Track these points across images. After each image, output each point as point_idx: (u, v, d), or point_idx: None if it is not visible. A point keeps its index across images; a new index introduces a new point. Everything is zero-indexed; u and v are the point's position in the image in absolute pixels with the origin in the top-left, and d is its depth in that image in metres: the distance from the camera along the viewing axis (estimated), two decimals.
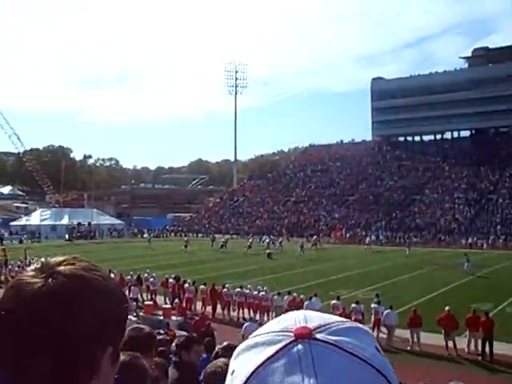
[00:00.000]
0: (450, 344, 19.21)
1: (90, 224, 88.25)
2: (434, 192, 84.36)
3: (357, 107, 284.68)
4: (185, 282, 27.98)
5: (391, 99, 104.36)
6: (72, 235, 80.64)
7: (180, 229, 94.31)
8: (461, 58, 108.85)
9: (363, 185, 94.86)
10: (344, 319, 0.87)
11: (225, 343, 7.83)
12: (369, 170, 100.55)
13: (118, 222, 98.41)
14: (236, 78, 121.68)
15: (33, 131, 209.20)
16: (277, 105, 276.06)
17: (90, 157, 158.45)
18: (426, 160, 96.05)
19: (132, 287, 28.59)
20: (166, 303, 27.27)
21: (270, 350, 0.80)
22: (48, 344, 0.95)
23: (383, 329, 20.77)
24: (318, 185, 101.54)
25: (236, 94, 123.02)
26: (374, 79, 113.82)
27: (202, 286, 26.89)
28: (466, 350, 19.19)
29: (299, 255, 51.79)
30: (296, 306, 22.86)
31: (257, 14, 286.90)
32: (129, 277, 30.43)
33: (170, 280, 29.25)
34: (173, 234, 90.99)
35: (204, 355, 8.01)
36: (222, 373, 3.77)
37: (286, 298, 23.97)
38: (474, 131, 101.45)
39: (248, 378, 0.79)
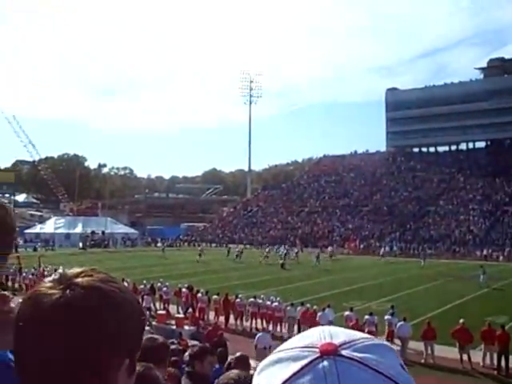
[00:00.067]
0: (465, 357, 19.02)
1: (103, 233, 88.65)
2: (448, 203, 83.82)
3: (371, 118, 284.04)
4: (198, 291, 27.94)
5: (406, 110, 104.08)
6: (86, 244, 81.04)
7: (193, 238, 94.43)
8: (476, 68, 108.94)
9: (377, 196, 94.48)
10: (369, 336, 0.87)
11: (238, 354, 7.78)
12: (383, 181, 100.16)
13: (132, 231, 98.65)
14: (251, 88, 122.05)
15: (48, 140, 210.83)
16: (291, 115, 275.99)
17: (104, 165, 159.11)
18: (440, 171, 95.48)
19: (145, 296, 28.58)
20: (178, 313, 27.26)
21: (296, 366, 0.79)
22: (65, 356, 0.95)
23: (397, 341, 20.60)
24: (331, 195, 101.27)
25: (250, 103, 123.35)
26: (388, 90, 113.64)
27: (215, 296, 26.85)
28: (481, 363, 18.99)
29: (315, 265, 51.88)
30: (309, 316, 22.81)
31: (272, 24, 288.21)
32: (142, 286, 30.44)
33: (183, 289, 29.21)
34: (186, 243, 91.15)
35: (217, 366, 7.97)
36: None
37: (298, 308, 23.88)
38: (489, 142, 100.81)
39: None
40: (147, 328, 18.68)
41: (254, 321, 25.40)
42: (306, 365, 0.79)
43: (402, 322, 20.51)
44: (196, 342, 13.98)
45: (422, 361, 19.58)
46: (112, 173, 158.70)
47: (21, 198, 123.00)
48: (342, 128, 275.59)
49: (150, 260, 57.99)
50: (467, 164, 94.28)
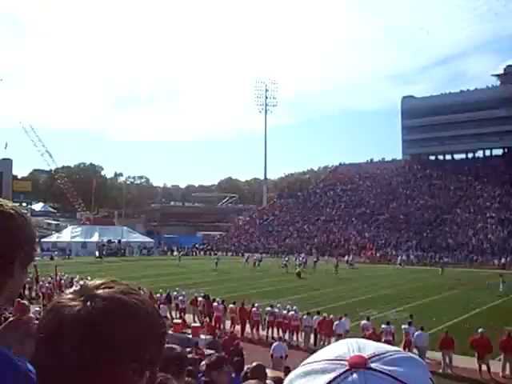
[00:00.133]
0: (484, 367, 18.79)
1: (120, 241, 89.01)
2: (465, 211, 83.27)
3: (387, 126, 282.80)
4: (214, 300, 27.92)
5: (422, 118, 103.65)
6: (102, 252, 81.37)
7: (209, 247, 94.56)
8: (492, 75, 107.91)
9: (393, 204, 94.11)
10: (398, 348, 0.87)
11: (254, 363, 7.75)
12: (399, 189, 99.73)
13: (148, 239, 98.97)
14: (266, 97, 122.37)
15: (65, 149, 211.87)
16: (306, 123, 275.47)
17: (120, 175, 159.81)
18: (457, 179, 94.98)
19: (161, 305, 28.59)
20: (194, 321, 27.22)
21: (325, 379, 0.79)
22: (86, 368, 0.95)
23: (414, 350, 20.40)
24: (347, 204, 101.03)
25: (266, 112, 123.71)
26: (404, 97, 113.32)
27: (232, 305, 26.75)
28: (501, 374, 18.76)
29: (335, 273, 52.33)
30: (325, 326, 22.70)
31: (287, 33, 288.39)
32: (158, 295, 30.47)
33: (199, 298, 29.22)
34: (202, 252, 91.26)
35: (233, 375, 7.93)
36: None
37: (315, 317, 23.73)
38: (506, 149, 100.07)
39: None
40: None
41: (270, 330, 25.31)
42: (335, 378, 0.79)
43: (419, 332, 20.31)
44: (212, 352, 13.95)
45: (440, 371, 19.35)
46: (128, 182, 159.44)
47: (38, 206, 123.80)
48: (358, 136, 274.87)
49: (166, 269, 58.07)
50: (484, 172, 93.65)
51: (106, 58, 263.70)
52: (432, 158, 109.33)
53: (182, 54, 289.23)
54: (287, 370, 11.19)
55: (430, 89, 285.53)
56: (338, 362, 0.81)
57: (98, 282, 1.07)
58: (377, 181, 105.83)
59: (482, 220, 78.47)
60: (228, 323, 26.44)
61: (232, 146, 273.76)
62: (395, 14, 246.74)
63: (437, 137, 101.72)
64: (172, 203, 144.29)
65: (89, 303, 1.00)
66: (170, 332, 23.58)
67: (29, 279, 35.03)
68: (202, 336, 22.58)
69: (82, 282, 1.14)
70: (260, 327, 25.65)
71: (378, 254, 74.67)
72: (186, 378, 5.14)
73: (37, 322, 1.58)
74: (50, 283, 37.16)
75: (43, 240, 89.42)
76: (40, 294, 36.31)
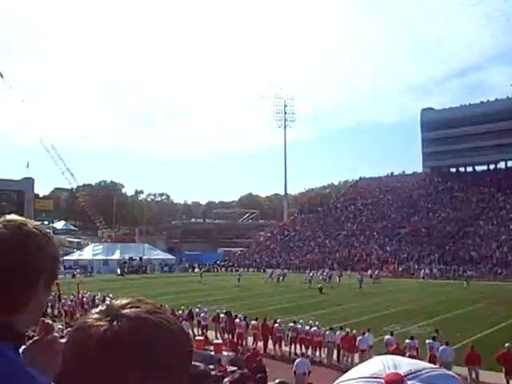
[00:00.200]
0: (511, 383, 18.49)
1: (141, 259, 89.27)
2: (488, 223, 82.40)
3: (407, 138, 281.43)
4: (236, 316, 27.83)
5: (442, 130, 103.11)
6: (124, 270, 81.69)
7: (231, 263, 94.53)
8: None
9: (415, 217, 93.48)
10: (433, 366, 0.85)
11: (277, 380, 7.68)
12: (420, 202, 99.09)
13: (169, 256, 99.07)
14: (285, 112, 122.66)
15: (85, 167, 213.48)
16: (326, 138, 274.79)
17: (141, 192, 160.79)
18: (479, 191, 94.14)
19: (183, 322, 28.55)
20: (217, 338, 27.13)
21: None
22: None
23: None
24: (368, 218, 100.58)
25: (285, 127, 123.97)
26: (423, 110, 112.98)
27: (254, 322, 26.63)
28: None
29: (357, 288, 52.17)
30: (348, 341, 22.49)
31: (305, 47, 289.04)
32: (180, 312, 30.44)
33: (222, 315, 29.14)
34: (223, 268, 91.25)
35: None
36: None
37: (338, 333, 23.54)
38: None
39: None
40: None
41: (292, 346, 25.14)
42: None
43: (444, 346, 20.02)
44: (235, 368, 13.88)
45: None
46: (149, 199, 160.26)
47: (59, 225, 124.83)
48: (378, 150, 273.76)
49: (187, 285, 58.08)
50: (506, 182, 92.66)
51: (126, 76, 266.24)
52: (453, 170, 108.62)
53: (200, 70, 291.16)
54: None
55: (450, 100, 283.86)
56: (374, 379, 0.79)
57: (123, 301, 1.06)
58: (398, 194, 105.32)
59: (506, 232, 77.52)
60: (250, 339, 26.28)
61: (252, 161, 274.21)
62: (417, 26, 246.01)
63: (457, 149, 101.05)
64: (193, 220, 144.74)
65: (115, 323, 0.99)
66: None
67: (51, 297, 35.20)
68: (225, 353, 22.49)
69: (107, 302, 1.18)
70: (282, 343, 25.50)
71: (400, 268, 74.10)
72: None
73: (61, 340, 1.57)
74: (72, 301, 37.37)
75: (65, 258, 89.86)
76: (62, 312, 36.51)
